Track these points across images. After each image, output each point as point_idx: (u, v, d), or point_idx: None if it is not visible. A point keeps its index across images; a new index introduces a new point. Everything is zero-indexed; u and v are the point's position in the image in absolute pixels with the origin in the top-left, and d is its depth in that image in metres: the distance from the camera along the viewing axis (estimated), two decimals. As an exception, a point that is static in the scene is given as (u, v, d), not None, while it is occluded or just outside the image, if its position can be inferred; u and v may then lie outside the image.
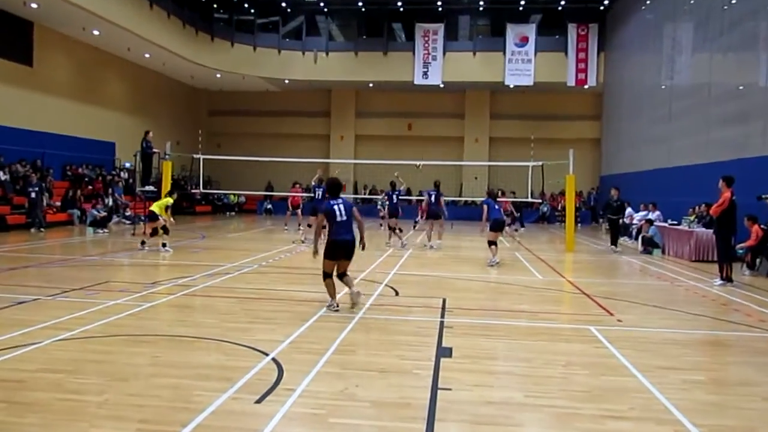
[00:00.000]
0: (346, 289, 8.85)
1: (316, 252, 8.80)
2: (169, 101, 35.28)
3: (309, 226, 20.89)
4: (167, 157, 20.64)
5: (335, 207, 8.57)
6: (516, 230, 25.20)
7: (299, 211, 23.10)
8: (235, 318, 7.96)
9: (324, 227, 8.65)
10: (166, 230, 15.29)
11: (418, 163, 24.41)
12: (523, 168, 24.52)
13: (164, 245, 14.95)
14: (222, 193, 35.97)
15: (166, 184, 20.33)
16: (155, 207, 15.61)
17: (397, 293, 10.05)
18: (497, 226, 14.32)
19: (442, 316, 8.38)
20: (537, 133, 34.55)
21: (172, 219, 15.85)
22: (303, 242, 18.72)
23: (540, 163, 20.83)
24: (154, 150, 20.23)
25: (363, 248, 8.94)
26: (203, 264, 13.00)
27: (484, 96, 37.16)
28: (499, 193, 18.06)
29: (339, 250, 8.50)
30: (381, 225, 25.31)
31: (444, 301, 9.39)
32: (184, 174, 33.38)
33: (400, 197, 18.72)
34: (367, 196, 34.92)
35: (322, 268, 8.63)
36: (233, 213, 36.50)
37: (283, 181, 33.43)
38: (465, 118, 37.30)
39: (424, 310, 8.84)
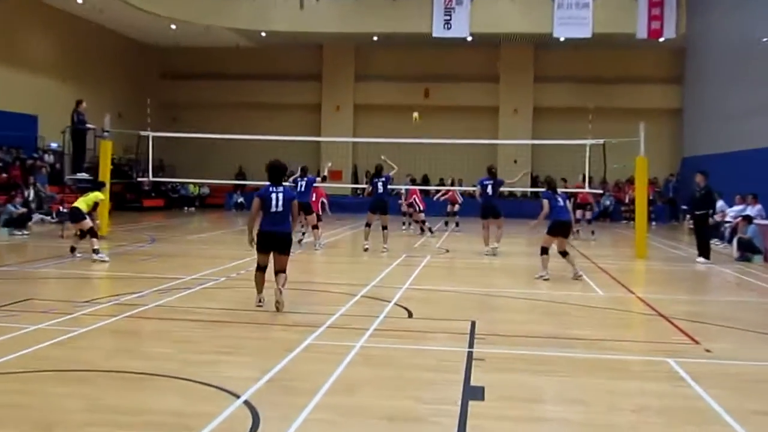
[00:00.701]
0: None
1: (251, 241, 10.29)
2: (108, 62, 35.45)
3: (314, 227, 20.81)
4: (106, 135, 20.72)
5: (272, 195, 10.20)
6: (592, 232, 24.77)
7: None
8: (196, 347, 7.97)
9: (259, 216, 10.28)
10: (93, 233, 15.35)
11: (414, 114, 24.48)
12: (577, 148, 24.45)
13: (96, 251, 14.98)
14: (178, 182, 36.13)
15: (105, 171, 20.42)
16: (80, 203, 15.74)
17: (410, 314, 10.06)
18: (560, 229, 14.07)
19: (471, 345, 8.37)
20: (596, 101, 34.53)
21: (93, 222, 15.96)
22: (300, 244, 18.82)
23: (601, 140, 20.81)
24: (89, 125, 20.32)
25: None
26: (154, 276, 13.03)
27: (525, 53, 37.19)
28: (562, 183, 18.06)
29: (268, 242, 10.14)
30: (405, 224, 25.08)
31: (473, 324, 9.39)
32: (129, 157, 33.55)
33: (387, 185, 18.62)
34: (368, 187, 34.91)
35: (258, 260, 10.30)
36: (193, 208, 36.71)
37: (260, 165, 33.43)
38: (500, 83, 37.36)
39: (447, 336, 8.84)
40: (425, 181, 36.65)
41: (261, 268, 10.30)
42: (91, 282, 12.81)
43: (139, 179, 30.67)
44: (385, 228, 18.50)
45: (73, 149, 20.66)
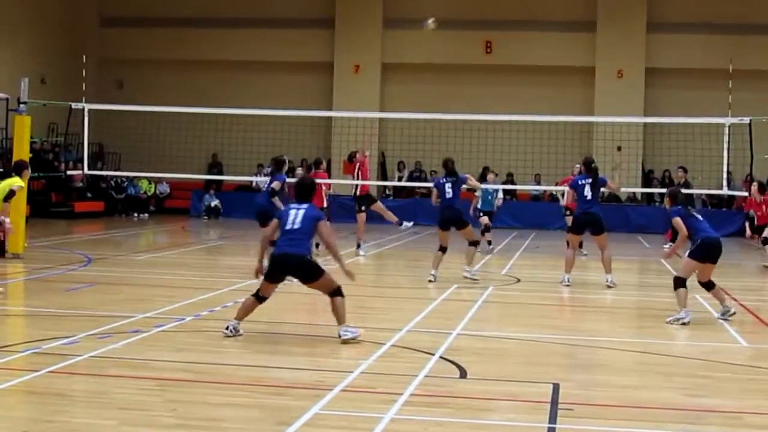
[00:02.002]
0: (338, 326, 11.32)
1: (258, 271, 11.86)
2: (26, 3, 35.74)
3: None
4: (22, 108, 20.91)
5: (290, 211, 11.80)
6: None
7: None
8: (149, 418, 8.01)
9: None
10: None
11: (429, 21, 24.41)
12: (710, 128, 24.31)
13: None
14: (125, 176, 36.35)
15: (20, 156, 20.57)
16: None
17: (463, 373, 10.04)
18: (708, 253, 13.94)
19: (553, 419, 8.35)
20: (739, 59, 34.18)
21: (5, 220, 15.85)
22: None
23: (746, 119, 20.66)
24: (0, 95, 20.50)
25: (351, 277, 11.97)
26: (89, 314, 13.07)
27: (636, -17, 37.01)
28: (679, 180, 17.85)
29: (279, 267, 11.60)
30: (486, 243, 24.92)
31: (556, 389, 9.35)
32: (55, 140, 33.83)
33: (459, 189, 18.41)
34: (403, 183, 35.08)
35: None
36: (146, 215, 36.90)
37: (243, 153, 33.69)
38: (597, 32, 37.16)
39: (517, 406, 8.80)
40: (485, 177, 36.52)
41: (259, 297, 11.72)
42: (1, 322, 12.91)
43: (70, 172, 30.91)
44: (473, 244, 18.39)
45: (-26, 128, 20.88)
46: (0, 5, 33.94)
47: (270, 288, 11.71)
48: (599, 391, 9.48)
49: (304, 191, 12.02)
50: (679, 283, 13.87)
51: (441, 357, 10.78)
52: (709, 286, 14.07)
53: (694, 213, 14.07)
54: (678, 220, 13.86)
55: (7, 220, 15.43)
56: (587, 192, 17.77)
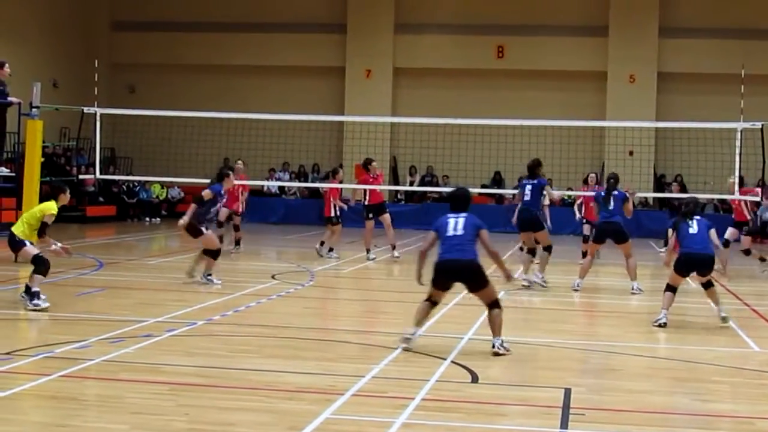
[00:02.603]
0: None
1: (419, 278, 11.78)
2: (37, 5, 35.87)
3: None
4: (34, 112, 20.96)
5: (449, 219, 11.60)
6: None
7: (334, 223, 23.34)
8: (161, 423, 8.03)
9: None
10: (42, 265, 13.77)
11: None
12: (723, 133, 24.25)
13: (33, 296, 13.60)
14: (137, 181, 36.42)
15: (32, 164, 20.63)
16: (18, 225, 14.27)
17: (474, 377, 10.04)
18: (686, 267, 14.02)
19: (565, 424, 8.34)
20: (751, 64, 34.12)
21: (56, 244, 14.86)
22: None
23: (758, 124, 20.60)
24: (12, 99, 20.54)
25: (508, 278, 12.11)
26: (101, 318, 13.10)
27: (647, -8, 37.01)
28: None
29: (446, 274, 11.44)
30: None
31: (568, 393, 9.35)
32: (67, 144, 33.93)
33: (540, 193, 18.34)
34: (415, 188, 35.05)
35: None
36: (158, 219, 36.96)
37: (255, 156, 33.72)
38: (609, 36, 37.14)
39: (528, 411, 8.81)
40: (497, 181, 36.61)
41: (432, 301, 11.69)
42: (12, 326, 12.93)
43: (82, 177, 30.96)
44: (547, 249, 18.36)
45: (-13, 132, 20.90)
46: (12, 10, 34.06)
47: (440, 294, 11.66)
48: (611, 396, 9.48)
49: (460, 203, 11.84)
50: (667, 287, 14.01)
51: (452, 361, 10.78)
52: (706, 286, 14.19)
53: (691, 223, 14.02)
54: (669, 231, 14.13)
55: (53, 247, 14.62)
56: (610, 202, 17.82)
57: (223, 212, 22.35)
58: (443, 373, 10.20)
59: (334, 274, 20.46)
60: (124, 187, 36.85)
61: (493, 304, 11.35)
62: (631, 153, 33.77)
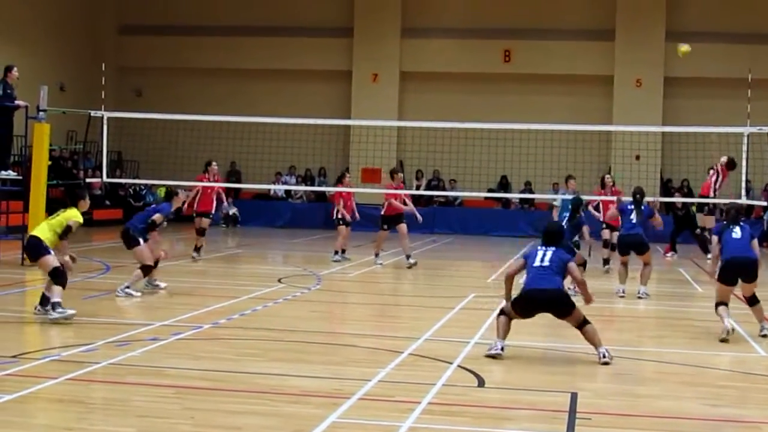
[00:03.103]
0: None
1: (508, 299, 11.86)
2: (46, 8, 35.93)
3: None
4: (41, 115, 20.99)
5: (539, 251, 11.89)
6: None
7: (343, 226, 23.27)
8: (167, 426, 8.03)
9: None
10: (58, 277, 13.28)
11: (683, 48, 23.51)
12: (729, 138, 24.19)
13: (55, 306, 13.10)
14: (143, 184, 36.45)
15: (39, 167, 20.66)
16: (42, 229, 13.82)
17: (481, 382, 10.04)
18: (736, 269, 13.70)
19: (571, 428, 8.35)
20: (758, 68, 34.08)
21: (68, 255, 14.55)
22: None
23: (765, 128, 20.56)
24: (19, 102, 20.58)
25: (590, 301, 12.08)
26: (108, 321, 13.13)
27: (653, -5, 36.98)
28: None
29: (531, 304, 11.60)
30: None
31: (574, 398, 9.35)
32: (74, 148, 33.97)
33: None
34: (421, 192, 35.01)
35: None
36: (164, 223, 36.87)
37: (261, 161, 33.75)
38: (616, 41, 37.13)
39: (534, 415, 8.80)
40: (504, 185, 36.60)
41: (510, 317, 11.69)
42: (20, 330, 12.95)
43: (88, 180, 30.99)
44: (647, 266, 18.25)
45: (-6, 136, 20.93)
46: (19, 14, 34.13)
47: (519, 317, 11.74)
48: (618, 400, 9.47)
49: (553, 238, 12.08)
50: (718, 306, 13.66)
51: (459, 366, 10.79)
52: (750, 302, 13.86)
53: (734, 229, 13.77)
54: (714, 238, 14.00)
55: (67, 258, 14.43)
56: (633, 216, 17.83)
57: (201, 221, 22.75)
58: (450, 377, 10.21)
59: (341, 277, 20.45)
60: (130, 190, 36.89)
61: (583, 324, 11.52)
62: (637, 157, 33.73)
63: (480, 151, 32.42)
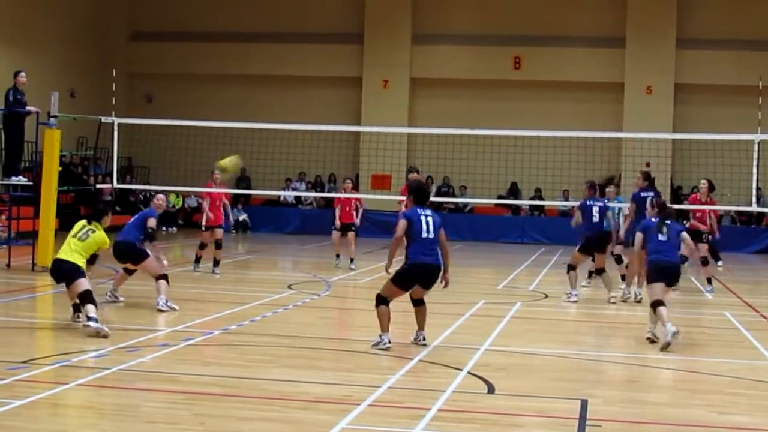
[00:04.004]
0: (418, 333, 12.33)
1: (389, 266, 12.14)
2: (57, 14, 36.03)
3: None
4: (52, 122, 21.04)
5: (422, 218, 12.08)
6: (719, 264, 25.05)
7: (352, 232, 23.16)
8: (177, 432, 8.08)
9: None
10: (92, 297, 12.99)
11: None
12: (737, 144, 24.19)
13: (91, 320, 12.57)
14: (153, 190, 36.42)
15: (50, 173, 20.70)
16: (77, 254, 13.27)
17: (490, 388, 10.04)
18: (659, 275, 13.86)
19: (581, 435, 8.38)
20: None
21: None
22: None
23: (776, 136, 20.58)
24: (30, 108, 20.63)
25: (446, 285, 12.43)
26: (118, 327, 13.13)
27: (664, 3, 36.93)
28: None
29: (418, 277, 12.02)
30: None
31: (584, 405, 9.36)
32: (85, 153, 34.03)
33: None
34: (431, 199, 34.78)
35: (381, 291, 12.12)
36: (174, 228, 37.03)
37: (271, 167, 33.79)
38: (627, 47, 37.11)
39: (545, 422, 8.82)
40: (514, 192, 36.59)
41: (385, 301, 12.09)
42: (30, 335, 12.99)
43: (99, 186, 31.08)
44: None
45: (5, 142, 20.98)
46: (30, 19, 34.20)
47: (397, 293, 12.15)
48: (627, 407, 9.46)
49: (424, 195, 12.55)
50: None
51: (469, 372, 10.78)
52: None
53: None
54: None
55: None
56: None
57: (206, 234, 21.28)
58: (459, 383, 10.21)
59: (351, 284, 20.47)
60: (141, 196, 36.92)
61: (422, 301, 12.29)
62: (648, 164, 33.66)
63: (490, 157, 32.40)
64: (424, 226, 11.98)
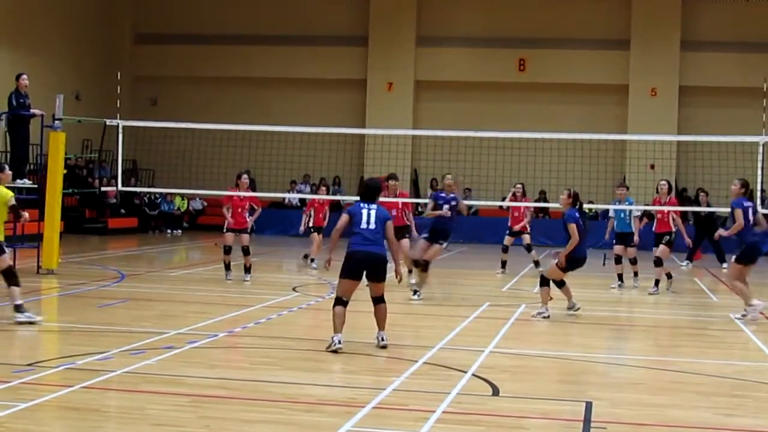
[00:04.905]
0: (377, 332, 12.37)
1: (329, 262, 12.71)
2: (62, 17, 36.12)
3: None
4: (57, 124, 21.06)
5: (362, 210, 12.26)
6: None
7: (316, 233, 23.62)
8: (182, 435, 8.09)
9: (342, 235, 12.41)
10: (15, 276, 13.29)
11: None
12: (741, 147, 24.18)
13: (17, 308, 13.03)
14: (159, 193, 36.54)
15: (55, 176, 20.73)
16: None
17: (495, 391, 10.04)
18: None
19: (586, 438, 8.37)
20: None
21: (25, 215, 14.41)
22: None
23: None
24: (34, 111, 20.66)
25: (399, 280, 12.87)
26: (123, 330, 13.16)
27: (669, 5, 36.96)
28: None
29: (359, 266, 12.10)
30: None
31: (589, 407, 9.35)
32: (90, 156, 34.08)
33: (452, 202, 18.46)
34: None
35: (335, 291, 12.40)
36: (179, 231, 37.09)
37: (276, 169, 33.81)
38: (631, 49, 37.13)
39: (549, 424, 8.82)
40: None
41: (341, 302, 12.10)
42: (35, 338, 12.99)
43: (104, 188, 31.13)
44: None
45: (10, 144, 21.02)
46: (35, 22, 34.28)
47: (351, 287, 12.25)
48: (632, 409, 9.44)
49: (373, 192, 12.60)
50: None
51: (473, 375, 10.79)
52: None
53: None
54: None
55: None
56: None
57: (229, 237, 20.14)
58: (464, 386, 10.21)
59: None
60: (145, 199, 37.00)
61: (381, 299, 12.36)
62: (652, 167, 33.69)
63: (495, 159, 32.40)
64: (364, 218, 12.15)
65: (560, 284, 15.83)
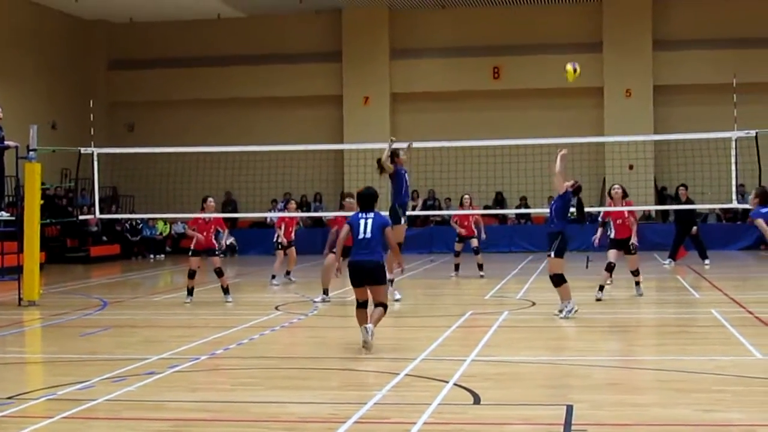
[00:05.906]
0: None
1: (339, 270, 13.95)
2: (35, 47, 36.11)
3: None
4: (32, 155, 21.05)
5: (360, 220, 12.99)
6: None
7: (288, 248, 23.97)
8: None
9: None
10: None
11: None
12: (715, 143, 24.31)
13: None
14: (139, 218, 36.50)
15: (32, 206, 20.70)
16: None
17: (477, 399, 10.06)
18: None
19: (567, 442, 8.40)
20: (743, 72, 34.23)
21: None
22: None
23: (753, 132, 20.67)
24: (8, 142, 20.64)
25: (402, 271, 13.13)
26: (105, 357, 13.16)
27: (640, 5, 37.15)
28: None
29: (356, 274, 12.94)
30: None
31: (570, 410, 9.38)
32: (67, 185, 34.04)
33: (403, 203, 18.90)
34: (417, 213, 35.11)
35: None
36: (162, 255, 37.06)
37: (256, 190, 33.83)
38: (604, 52, 37.28)
39: (530, 430, 8.83)
40: (499, 202, 36.70)
41: (360, 304, 13.09)
42: (18, 370, 12.98)
43: (83, 217, 31.04)
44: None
45: (-14, 177, 20.97)
46: (8, 52, 34.30)
47: (362, 292, 13.08)
48: (613, 410, 9.48)
49: (369, 201, 13.24)
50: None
51: (455, 384, 10.80)
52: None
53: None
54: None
55: None
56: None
57: (194, 261, 20.07)
58: (446, 396, 10.22)
59: (339, 302, 20.45)
60: (127, 225, 36.97)
61: (382, 304, 13.07)
62: (630, 167, 33.88)
63: (475, 168, 32.51)
64: (361, 227, 12.92)
65: (560, 282, 16.28)
